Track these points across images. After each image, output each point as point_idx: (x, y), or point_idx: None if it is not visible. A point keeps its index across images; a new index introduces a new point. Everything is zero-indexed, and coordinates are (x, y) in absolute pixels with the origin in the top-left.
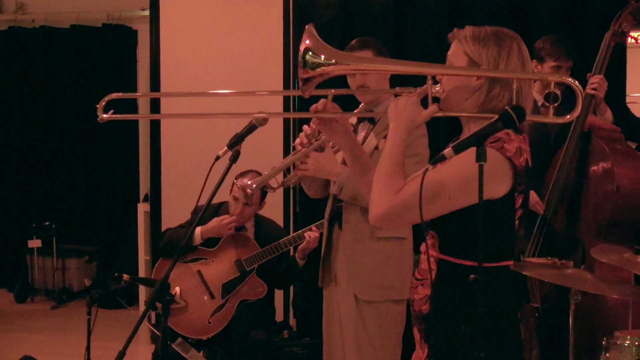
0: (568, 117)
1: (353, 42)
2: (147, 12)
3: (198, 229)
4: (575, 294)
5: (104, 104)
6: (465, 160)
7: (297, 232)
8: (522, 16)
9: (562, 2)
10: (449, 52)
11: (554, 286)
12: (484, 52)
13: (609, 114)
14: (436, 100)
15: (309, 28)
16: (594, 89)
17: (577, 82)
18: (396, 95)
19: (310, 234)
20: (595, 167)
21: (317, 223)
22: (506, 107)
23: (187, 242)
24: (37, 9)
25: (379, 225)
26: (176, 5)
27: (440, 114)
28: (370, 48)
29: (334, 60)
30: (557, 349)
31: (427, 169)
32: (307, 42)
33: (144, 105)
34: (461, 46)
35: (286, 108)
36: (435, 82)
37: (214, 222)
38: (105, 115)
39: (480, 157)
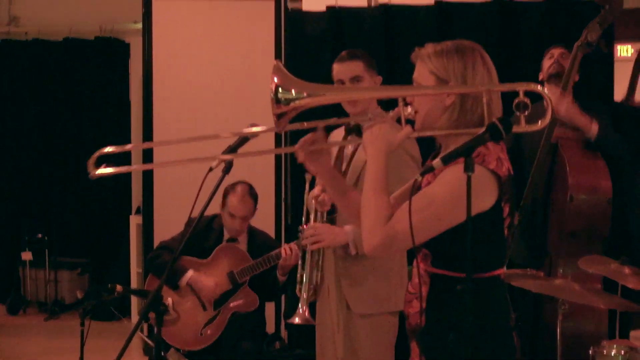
0: (539, 123)
1: (343, 53)
2: (139, 25)
3: (190, 272)
4: (563, 303)
5: (94, 160)
6: (451, 180)
7: (289, 244)
8: (511, 28)
9: (551, 13)
10: (415, 75)
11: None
12: (449, 66)
13: (594, 128)
14: (410, 121)
15: (277, 65)
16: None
17: (545, 89)
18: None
19: (287, 250)
20: (557, 178)
21: (297, 241)
22: (493, 120)
23: (173, 280)
24: (30, 22)
25: (375, 256)
26: (169, 18)
27: (415, 134)
28: (359, 59)
29: (305, 94)
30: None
31: (416, 180)
32: (276, 79)
33: (136, 121)
34: (425, 65)
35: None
36: (407, 104)
37: (210, 288)
38: (97, 172)
39: (469, 167)
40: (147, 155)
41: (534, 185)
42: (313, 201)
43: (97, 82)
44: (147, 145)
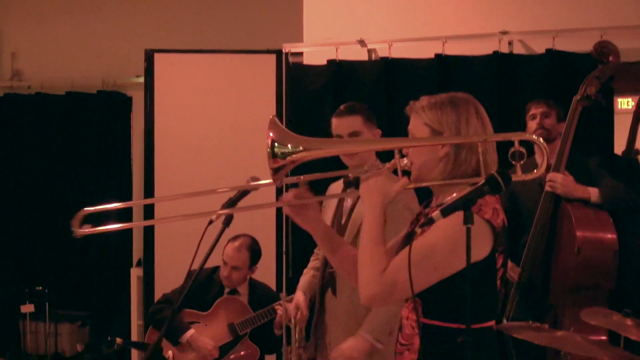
0: (535, 172)
1: (341, 107)
2: (141, 79)
3: (191, 331)
4: (565, 355)
5: (79, 220)
6: (448, 231)
7: (289, 297)
8: (510, 81)
9: (550, 66)
10: (409, 126)
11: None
12: (443, 118)
13: (594, 194)
14: (406, 172)
15: (273, 120)
16: (551, 186)
17: (541, 139)
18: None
19: (281, 308)
20: (561, 231)
21: (290, 297)
22: (492, 172)
23: (175, 336)
24: (33, 76)
25: (372, 306)
26: (170, 72)
27: (411, 186)
28: (358, 113)
29: (301, 147)
30: None
31: (415, 232)
32: (272, 134)
33: (138, 173)
34: (420, 118)
35: None
36: (403, 155)
37: (208, 350)
38: (81, 230)
39: (468, 220)
40: (148, 208)
41: (536, 241)
42: (292, 320)
43: (99, 135)
44: (149, 201)
